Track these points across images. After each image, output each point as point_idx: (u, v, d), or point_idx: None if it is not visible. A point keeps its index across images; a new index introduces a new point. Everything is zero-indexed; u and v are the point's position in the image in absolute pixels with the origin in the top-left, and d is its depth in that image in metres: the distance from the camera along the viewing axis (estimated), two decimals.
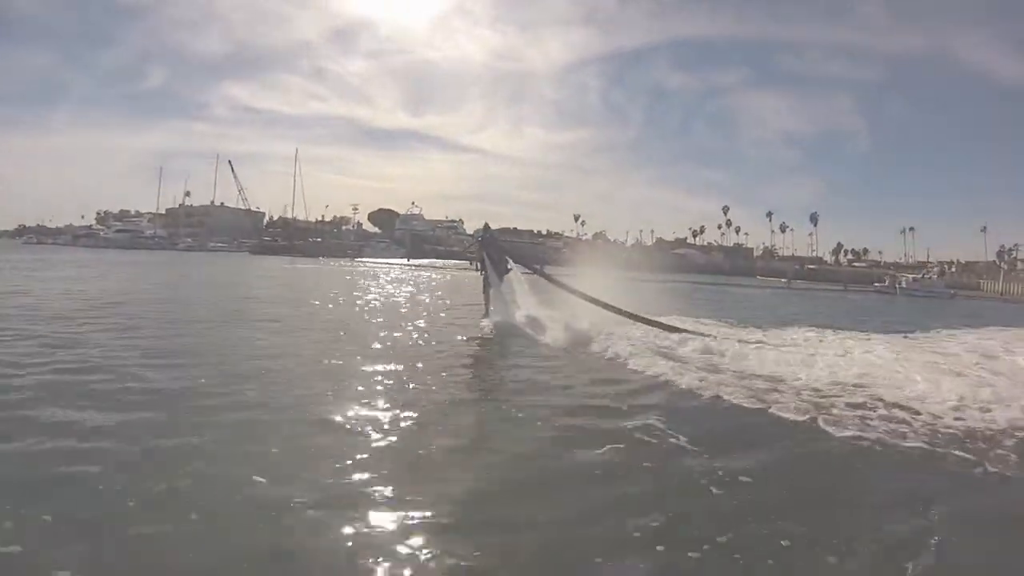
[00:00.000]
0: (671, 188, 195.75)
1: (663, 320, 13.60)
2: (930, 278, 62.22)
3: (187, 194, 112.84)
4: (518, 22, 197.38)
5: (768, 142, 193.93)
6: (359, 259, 59.51)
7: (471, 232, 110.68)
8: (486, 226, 15.42)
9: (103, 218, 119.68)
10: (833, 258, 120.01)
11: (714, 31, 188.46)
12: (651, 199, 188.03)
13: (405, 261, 45.42)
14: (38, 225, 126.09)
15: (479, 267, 13.87)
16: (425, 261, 53.08)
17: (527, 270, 14.86)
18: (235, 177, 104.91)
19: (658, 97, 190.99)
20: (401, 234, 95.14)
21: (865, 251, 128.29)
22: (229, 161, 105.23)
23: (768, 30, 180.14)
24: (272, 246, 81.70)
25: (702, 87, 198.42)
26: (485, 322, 13.34)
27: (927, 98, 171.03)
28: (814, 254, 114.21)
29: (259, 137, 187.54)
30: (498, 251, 13.98)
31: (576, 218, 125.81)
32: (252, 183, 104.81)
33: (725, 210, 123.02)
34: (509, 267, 13.79)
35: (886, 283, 60.46)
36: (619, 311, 13.41)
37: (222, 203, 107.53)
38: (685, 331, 12.68)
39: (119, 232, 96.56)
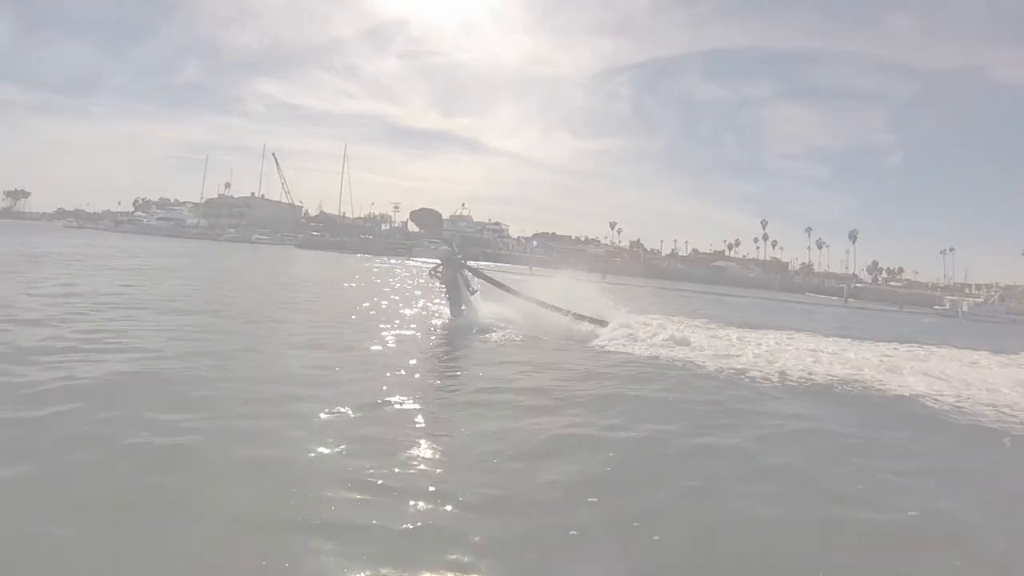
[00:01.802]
0: (700, 199, 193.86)
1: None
2: (992, 303, 60.73)
3: (227, 185, 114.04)
4: (551, 28, 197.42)
5: (798, 156, 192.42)
6: (413, 258, 59.18)
7: (515, 236, 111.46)
8: (452, 245, 15.06)
9: (142, 205, 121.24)
10: (872, 277, 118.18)
11: (746, 43, 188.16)
12: (681, 209, 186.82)
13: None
14: (76, 209, 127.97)
15: (442, 287, 13.20)
16: (482, 264, 52.66)
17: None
18: (279, 170, 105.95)
19: (688, 108, 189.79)
20: (450, 235, 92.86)
21: (900, 270, 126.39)
22: (273, 154, 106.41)
23: (800, 43, 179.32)
24: (319, 241, 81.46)
25: (733, 99, 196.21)
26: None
27: (961, 115, 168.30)
28: (847, 271, 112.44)
29: (292, 133, 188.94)
30: (467, 271, 13.41)
31: (612, 225, 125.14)
32: (286, 177, 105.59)
33: (764, 224, 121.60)
34: (474, 289, 13.28)
35: (947, 306, 59.22)
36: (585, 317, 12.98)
37: (263, 195, 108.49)
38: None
39: (161, 220, 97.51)
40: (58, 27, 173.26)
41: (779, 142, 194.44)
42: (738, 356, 10.41)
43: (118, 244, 44.75)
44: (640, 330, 12.03)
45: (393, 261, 57.38)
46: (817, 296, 68.92)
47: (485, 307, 13.50)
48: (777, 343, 12.02)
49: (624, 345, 11.12)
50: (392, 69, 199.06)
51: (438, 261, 13.14)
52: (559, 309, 12.93)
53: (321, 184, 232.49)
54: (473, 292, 13.15)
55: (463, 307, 12.97)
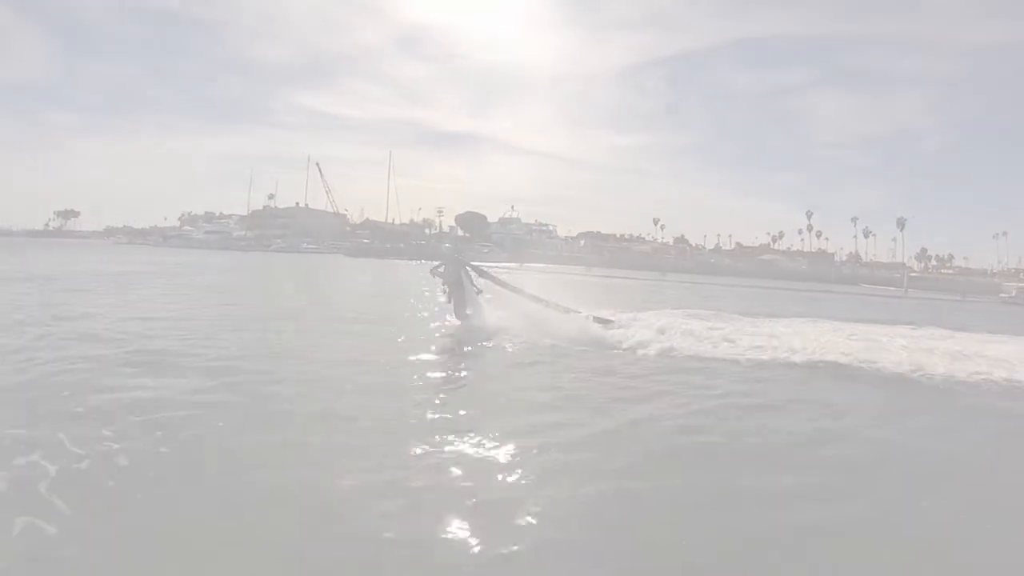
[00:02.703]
0: (740, 191, 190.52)
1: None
2: None
3: (271, 196, 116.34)
4: (580, 25, 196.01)
5: (839, 143, 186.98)
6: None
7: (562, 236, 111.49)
8: (455, 243, 14.62)
9: (188, 220, 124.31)
10: (922, 265, 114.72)
11: (777, 30, 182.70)
12: (721, 203, 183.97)
13: (517, 265, 45.10)
14: (124, 226, 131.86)
15: (446, 288, 12.79)
16: (539, 265, 52.81)
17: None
18: (323, 179, 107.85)
19: (723, 99, 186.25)
20: (500, 237, 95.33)
21: (951, 256, 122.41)
22: (317, 164, 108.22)
23: (835, 27, 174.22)
24: (368, 248, 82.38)
25: (768, 88, 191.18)
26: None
27: (1010, 91, 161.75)
28: (894, 259, 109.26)
29: (330, 141, 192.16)
30: (473, 271, 13.10)
31: (655, 222, 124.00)
32: (320, 185, 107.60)
33: (809, 215, 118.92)
34: (479, 289, 12.82)
35: (1012, 294, 57.12)
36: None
37: (307, 205, 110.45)
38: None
39: (209, 233, 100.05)
40: (100, 51, 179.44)
41: (818, 130, 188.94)
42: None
43: (178, 259, 46.01)
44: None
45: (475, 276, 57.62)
46: (873, 287, 67.14)
47: (494, 314, 12.85)
48: (913, 342, 11.61)
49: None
50: (424, 74, 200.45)
51: (439, 261, 13.06)
52: (572, 310, 12.59)
53: (360, 190, 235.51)
54: (478, 292, 12.74)
55: (469, 310, 12.64)
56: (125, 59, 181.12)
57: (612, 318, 12.76)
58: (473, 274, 12.96)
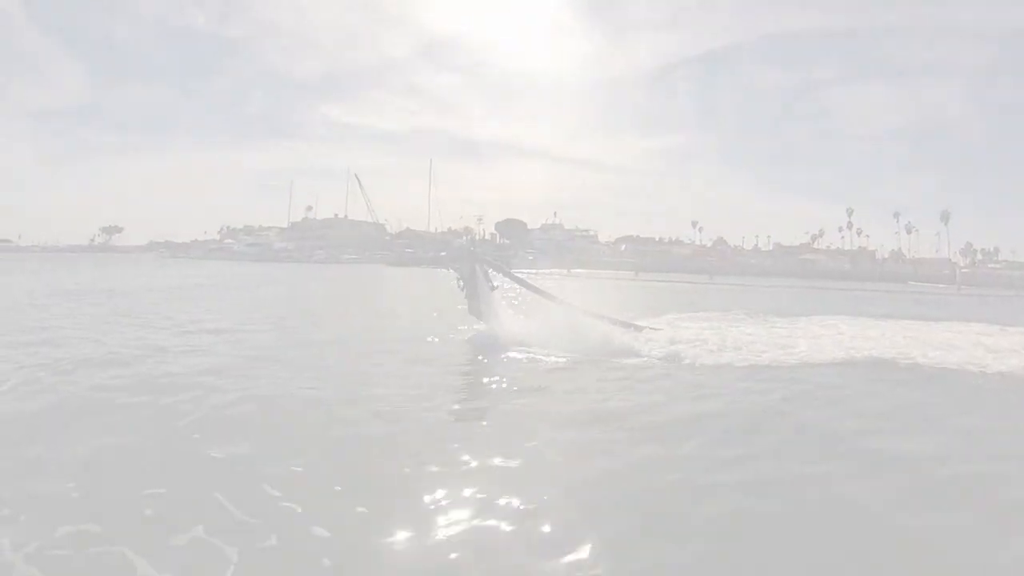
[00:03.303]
0: (775, 190, 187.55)
1: None
2: None
3: (309, 208, 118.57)
4: (605, 30, 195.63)
5: (873, 137, 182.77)
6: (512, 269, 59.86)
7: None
8: (472, 239, 14.48)
9: (227, 233, 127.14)
10: (967, 260, 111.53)
11: (803, 24, 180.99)
12: (756, 202, 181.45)
13: (564, 271, 45.34)
14: (166, 241, 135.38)
15: (461, 283, 12.42)
16: (585, 271, 52.79)
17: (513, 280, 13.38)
18: (362, 189, 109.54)
19: (754, 97, 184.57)
20: (542, 243, 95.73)
21: (997, 250, 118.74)
22: (356, 175, 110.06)
23: (862, 18, 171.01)
24: (410, 257, 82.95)
25: (799, 84, 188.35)
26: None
27: None
28: (938, 255, 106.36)
29: (360, 152, 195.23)
30: (488, 265, 12.72)
31: (694, 224, 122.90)
32: (357, 196, 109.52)
33: (849, 212, 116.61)
34: (494, 285, 12.40)
35: None
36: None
37: (346, 216, 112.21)
38: None
39: (250, 246, 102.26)
40: (134, 73, 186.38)
41: (851, 124, 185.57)
42: None
43: (231, 271, 47.15)
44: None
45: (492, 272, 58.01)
46: (923, 285, 65.53)
47: (517, 320, 12.44)
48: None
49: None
50: (451, 83, 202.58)
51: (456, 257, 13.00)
52: (619, 321, 11.94)
53: (393, 200, 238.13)
54: (493, 288, 12.37)
55: (483, 307, 12.24)
56: (158, 80, 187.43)
57: (660, 328, 12.32)
58: (490, 271, 12.54)
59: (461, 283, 12.41)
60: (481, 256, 13.09)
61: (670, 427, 6.16)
